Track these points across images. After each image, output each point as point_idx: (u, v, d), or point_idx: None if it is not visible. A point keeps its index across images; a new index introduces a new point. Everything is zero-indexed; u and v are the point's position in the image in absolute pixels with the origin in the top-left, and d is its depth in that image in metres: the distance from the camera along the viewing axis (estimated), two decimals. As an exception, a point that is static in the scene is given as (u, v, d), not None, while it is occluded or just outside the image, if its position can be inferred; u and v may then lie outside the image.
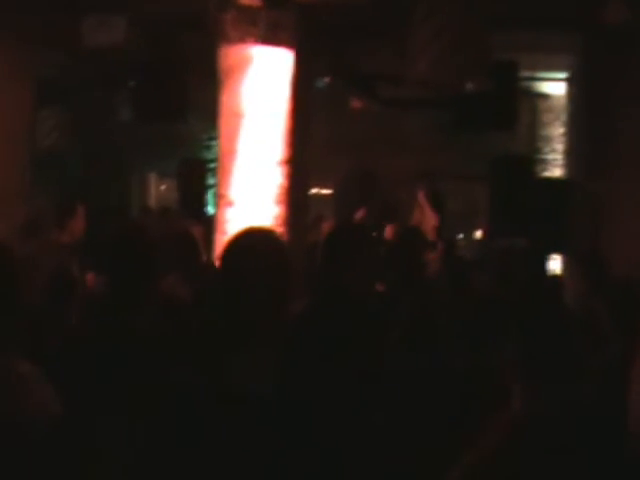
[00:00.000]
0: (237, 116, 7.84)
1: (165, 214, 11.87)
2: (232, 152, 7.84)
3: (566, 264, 10.65)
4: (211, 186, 12.71)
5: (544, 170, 13.86)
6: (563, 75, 12.70)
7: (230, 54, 7.82)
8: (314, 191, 12.56)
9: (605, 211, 9.51)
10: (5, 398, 2.73)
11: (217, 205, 8.09)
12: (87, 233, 7.86)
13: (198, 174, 13.78)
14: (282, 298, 2.68)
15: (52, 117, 12.80)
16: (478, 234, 14.65)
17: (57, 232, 7.84)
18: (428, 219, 9.88)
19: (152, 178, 16.22)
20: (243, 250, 2.73)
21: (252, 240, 2.78)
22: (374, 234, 9.47)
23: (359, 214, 10.37)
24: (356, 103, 12.53)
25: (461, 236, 14.56)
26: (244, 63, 7.79)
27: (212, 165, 12.29)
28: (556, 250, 10.67)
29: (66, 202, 8.20)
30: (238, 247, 2.76)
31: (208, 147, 14.07)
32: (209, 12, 7.70)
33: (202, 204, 13.44)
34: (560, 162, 13.70)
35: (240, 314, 2.61)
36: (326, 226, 9.54)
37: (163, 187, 16.28)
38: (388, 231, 9.62)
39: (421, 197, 10.18)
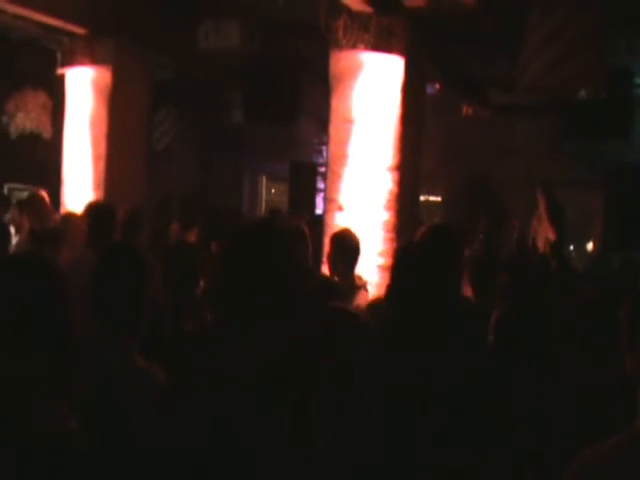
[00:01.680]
0: (348, 121, 7.88)
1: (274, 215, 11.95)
2: (342, 157, 7.89)
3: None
4: (321, 190, 12.78)
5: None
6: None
7: (341, 60, 7.88)
8: (423, 198, 12.50)
9: None
10: (122, 389, 2.86)
11: (326, 209, 8.14)
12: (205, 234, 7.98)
13: (308, 177, 13.88)
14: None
15: (167, 118, 13.07)
16: (590, 246, 14.32)
17: (183, 233, 8.04)
18: (544, 231, 9.67)
19: (263, 180, 16.40)
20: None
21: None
22: (488, 242, 9.33)
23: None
24: (467, 109, 12.44)
25: (572, 247, 14.25)
26: (355, 69, 7.83)
27: (322, 169, 12.36)
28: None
29: (191, 205, 8.39)
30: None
31: (319, 151, 14.16)
32: (321, 18, 7.76)
33: (312, 207, 13.52)
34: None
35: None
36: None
37: (273, 190, 16.43)
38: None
39: (541, 206, 9.93)
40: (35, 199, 8.98)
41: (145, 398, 2.69)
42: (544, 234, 9.55)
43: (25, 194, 11.83)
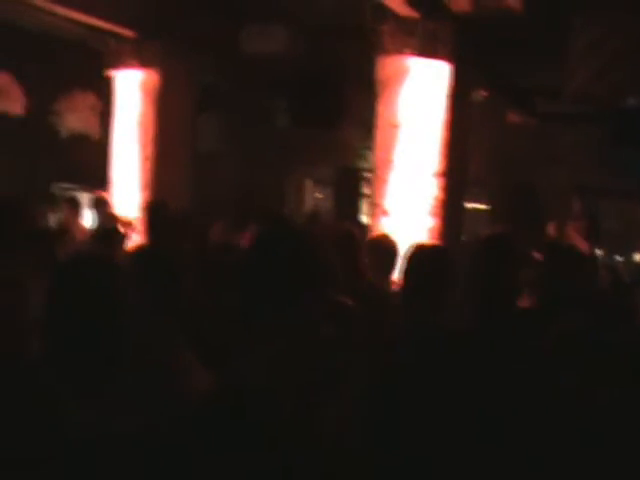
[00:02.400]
0: (393, 126, 7.88)
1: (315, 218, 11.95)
2: (388, 162, 7.89)
3: None
4: (366, 195, 12.77)
5: None
6: None
7: (387, 65, 7.88)
8: (468, 205, 12.42)
9: None
10: (171, 382, 2.89)
11: (372, 214, 8.14)
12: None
13: (353, 182, 13.89)
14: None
15: (212, 121, 13.13)
16: (638, 256, 14.12)
17: (237, 236, 8.10)
18: (577, 240, 9.58)
19: (308, 184, 16.41)
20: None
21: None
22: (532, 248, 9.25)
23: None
24: (513, 117, 12.37)
25: (619, 258, 14.06)
26: (401, 74, 7.83)
27: (367, 174, 12.35)
28: None
29: (244, 209, 8.46)
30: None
31: (364, 156, 14.15)
32: (367, 23, 7.77)
33: (357, 212, 13.53)
34: None
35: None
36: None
37: (318, 194, 16.44)
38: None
39: (574, 215, 9.78)
40: (102, 201, 9.21)
41: (192, 393, 2.72)
42: (578, 243, 9.48)
43: (73, 194, 11.96)
